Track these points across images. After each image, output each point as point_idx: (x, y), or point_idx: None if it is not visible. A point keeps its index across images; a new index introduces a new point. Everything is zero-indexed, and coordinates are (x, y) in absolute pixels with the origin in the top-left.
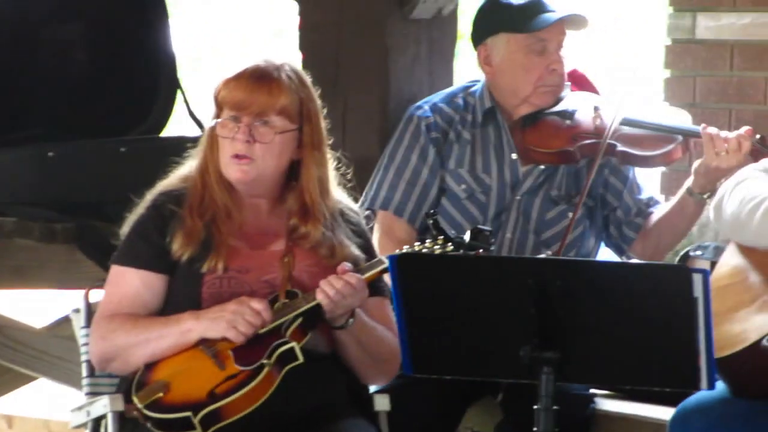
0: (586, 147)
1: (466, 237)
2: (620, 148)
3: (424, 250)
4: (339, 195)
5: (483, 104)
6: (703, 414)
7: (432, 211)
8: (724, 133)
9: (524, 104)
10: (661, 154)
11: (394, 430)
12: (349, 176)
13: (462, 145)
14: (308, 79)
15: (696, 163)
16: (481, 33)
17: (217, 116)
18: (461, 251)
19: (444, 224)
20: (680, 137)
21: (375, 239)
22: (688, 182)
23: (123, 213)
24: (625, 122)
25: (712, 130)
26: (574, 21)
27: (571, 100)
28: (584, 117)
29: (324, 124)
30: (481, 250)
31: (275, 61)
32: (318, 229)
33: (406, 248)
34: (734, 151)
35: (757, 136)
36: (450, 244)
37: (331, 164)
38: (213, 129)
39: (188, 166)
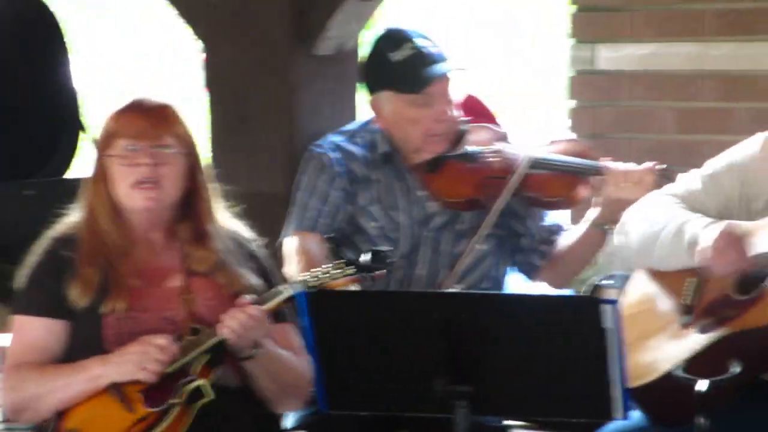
0: (493, 191)
1: (366, 258)
2: (526, 193)
3: (326, 275)
4: (232, 223)
5: (381, 147)
6: None
7: (331, 235)
8: (627, 166)
9: (419, 152)
10: (566, 198)
11: None
12: (237, 209)
13: (371, 183)
14: None
15: (599, 197)
16: (367, 88)
17: (106, 151)
18: (362, 273)
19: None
20: (583, 177)
21: (288, 265)
22: (592, 213)
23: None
24: (532, 164)
25: (616, 164)
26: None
27: (473, 137)
28: (488, 157)
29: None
30: (383, 271)
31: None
32: (213, 251)
33: (309, 273)
34: (636, 184)
35: (663, 166)
36: (350, 267)
37: (218, 193)
38: (100, 167)
39: (75, 215)
